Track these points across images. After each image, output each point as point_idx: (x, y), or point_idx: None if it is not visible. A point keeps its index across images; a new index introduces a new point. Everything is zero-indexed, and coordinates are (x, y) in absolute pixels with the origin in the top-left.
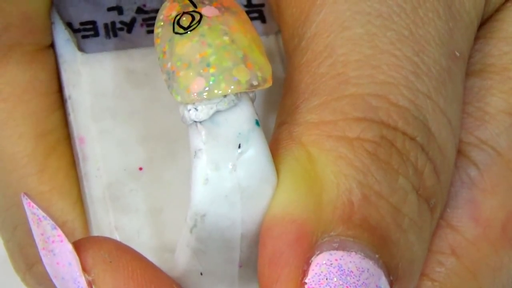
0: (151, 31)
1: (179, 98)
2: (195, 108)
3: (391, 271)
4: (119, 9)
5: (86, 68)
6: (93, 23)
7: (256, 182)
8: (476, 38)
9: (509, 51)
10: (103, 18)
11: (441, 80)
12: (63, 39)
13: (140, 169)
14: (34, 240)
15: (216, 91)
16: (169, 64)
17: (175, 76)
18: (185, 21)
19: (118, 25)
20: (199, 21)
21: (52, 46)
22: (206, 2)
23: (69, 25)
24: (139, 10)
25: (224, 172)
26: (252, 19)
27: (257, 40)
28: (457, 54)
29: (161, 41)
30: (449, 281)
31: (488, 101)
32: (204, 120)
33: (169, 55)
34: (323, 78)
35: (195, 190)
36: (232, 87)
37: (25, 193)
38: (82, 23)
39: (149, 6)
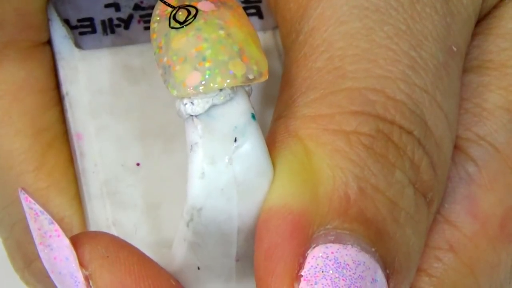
0: (149, 28)
1: (175, 92)
2: (191, 102)
3: (387, 265)
4: (116, 6)
5: (83, 64)
6: (90, 19)
7: (252, 175)
8: (474, 34)
9: (507, 48)
10: (100, 15)
11: (438, 75)
12: (61, 36)
13: (138, 164)
14: (32, 238)
15: (212, 85)
16: (165, 59)
17: (171, 70)
18: (181, 15)
19: (115, 22)
20: (195, 16)
21: (48, 42)
22: None
23: (66, 21)
24: (136, 7)
25: (220, 166)
26: (249, 15)
27: (253, 34)
28: (454, 49)
29: (157, 36)
30: (447, 277)
31: (486, 97)
32: (200, 114)
33: (165, 50)
34: (320, 72)
35: (191, 184)
36: (228, 80)
37: (23, 188)
38: (79, 20)
39: (146, 2)
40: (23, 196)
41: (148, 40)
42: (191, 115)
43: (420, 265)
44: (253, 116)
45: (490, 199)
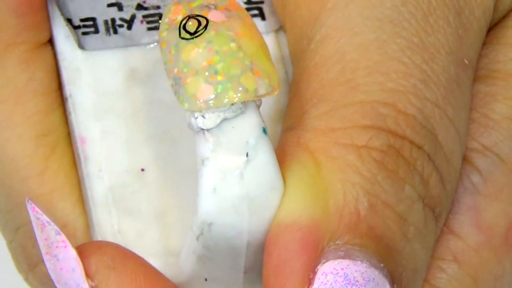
0: (152, 28)
1: (186, 105)
2: (203, 116)
3: (395, 280)
4: (118, 5)
5: (86, 66)
6: (93, 19)
7: (264, 190)
8: (483, 43)
9: None
10: (103, 15)
11: (450, 88)
12: (63, 36)
13: (142, 170)
14: (36, 241)
15: (223, 100)
16: (175, 70)
17: (182, 82)
18: (191, 26)
19: (118, 22)
20: (205, 27)
21: (50, 42)
22: (212, 6)
23: (69, 21)
24: (139, 7)
25: (231, 181)
26: (251, 16)
27: (263, 45)
28: (466, 62)
29: (167, 45)
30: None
31: (492, 107)
32: (212, 128)
33: (175, 61)
34: (331, 84)
35: (202, 199)
36: (240, 95)
37: (29, 198)
38: (82, 20)
39: (149, 2)
40: (30, 206)
41: (152, 41)
42: (202, 129)
43: (424, 275)
44: (264, 130)
45: (495, 210)
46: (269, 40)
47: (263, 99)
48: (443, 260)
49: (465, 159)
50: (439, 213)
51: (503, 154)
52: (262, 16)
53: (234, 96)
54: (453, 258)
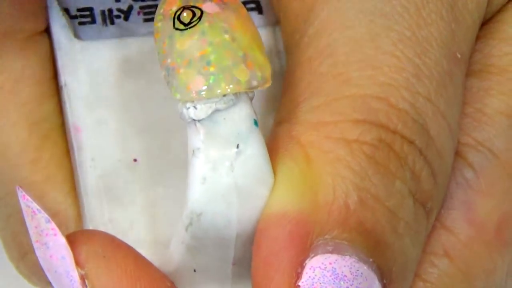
0: (148, 19)
1: (178, 96)
2: (194, 107)
3: (384, 275)
4: None
5: (82, 55)
6: (90, 9)
7: (253, 182)
8: (477, 38)
9: (509, 52)
10: (100, 5)
11: (442, 83)
12: (60, 25)
13: (135, 160)
14: (27, 229)
15: (215, 91)
16: (169, 60)
17: (175, 73)
18: (186, 17)
19: (115, 13)
20: (199, 18)
21: (46, 30)
22: None
23: (66, 11)
24: None
25: (221, 171)
26: (248, 10)
27: (257, 38)
28: (459, 56)
29: (161, 36)
30: (442, 282)
31: (486, 102)
32: (203, 119)
33: (169, 51)
34: (324, 78)
35: (192, 189)
36: (232, 86)
37: (20, 186)
38: (79, 9)
39: None
40: (20, 194)
41: (148, 33)
42: (194, 120)
43: (415, 270)
44: (256, 122)
45: (487, 205)
46: (266, 34)
47: (256, 92)
48: (435, 255)
49: (458, 154)
50: (430, 208)
51: (496, 149)
52: (259, 10)
53: (226, 87)
54: (444, 253)
